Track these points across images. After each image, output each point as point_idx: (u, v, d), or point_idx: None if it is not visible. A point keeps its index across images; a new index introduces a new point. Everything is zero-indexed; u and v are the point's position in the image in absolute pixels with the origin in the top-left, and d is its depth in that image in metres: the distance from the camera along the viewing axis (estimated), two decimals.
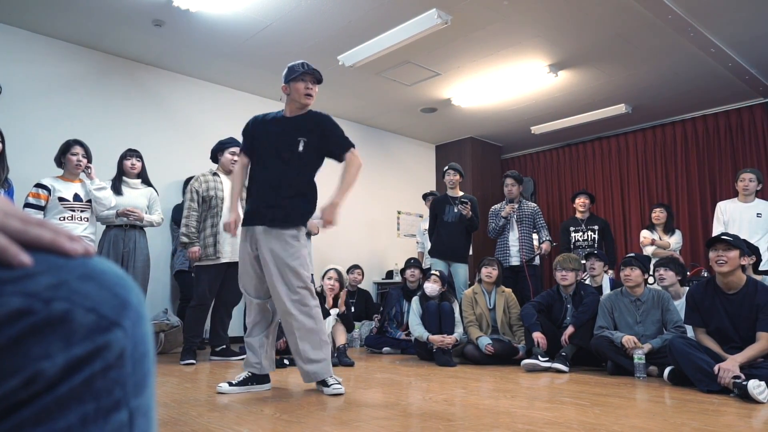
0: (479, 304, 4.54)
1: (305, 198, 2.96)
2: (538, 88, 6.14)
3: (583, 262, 4.94)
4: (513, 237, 5.47)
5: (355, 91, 6.37)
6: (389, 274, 7.30)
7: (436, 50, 5.26)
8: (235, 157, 4.43)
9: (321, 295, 4.58)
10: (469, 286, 5.09)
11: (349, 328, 4.67)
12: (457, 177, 5.51)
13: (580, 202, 5.74)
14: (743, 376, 2.81)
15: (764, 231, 4.64)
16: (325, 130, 3.00)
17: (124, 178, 4.43)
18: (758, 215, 4.71)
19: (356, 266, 6.05)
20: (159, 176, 5.00)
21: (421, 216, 8.00)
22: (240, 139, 3.33)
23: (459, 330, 4.50)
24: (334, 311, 4.49)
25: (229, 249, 4.27)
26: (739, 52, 5.34)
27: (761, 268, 4.33)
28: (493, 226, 5.60)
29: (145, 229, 4.47)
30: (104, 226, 4.33)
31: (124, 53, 5.38)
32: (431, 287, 4.63)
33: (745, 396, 2.70)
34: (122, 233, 4.30)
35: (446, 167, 5.61)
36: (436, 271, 4.81)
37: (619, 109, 6.54)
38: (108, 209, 4.11)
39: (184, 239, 4.24)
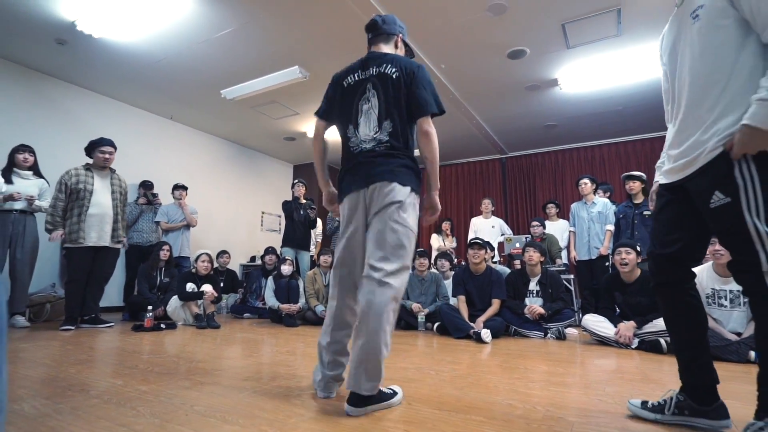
0: (317, 281, 4.60)
1: None
2: None
3: None
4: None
5: (233, 118, 6.04)
6: (252, 258, 7.02)
7: (297, 96, 5.23)
8: (107, 155, 3.75)
9: (196, 275, 4.27)
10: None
11: (217, 300, 4.41)
12: (304, 189, 5.46)
13: None
14: (482, 329, 3.28)
15: (497, 236, 5.41)
16: None
17: (15, 169, 3.71)
18: (493, 227, 5.47)
19: (224, 251, 5.71)
20: (56, 172, 4.24)
21: (280, 216, 7.84)
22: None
23: (302, 300, 4.52)
24: (207, 287, 4.20)
25: (95, 235, 3.67)
26: (488, 125, 6.17)
27: (494, 259, 5.04)
28: (330, 226, 5.72)
29: (35, 214, 3.78)
30: None
31: (26, 62, 4.47)
32: (287, 269, 4.60)
33: (479, 339, 3.17)
34: (10, 217, 3.59)
35: (295, 180, 5.52)
36: (289, 257, 4.79)
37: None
38: None
39: (48, 225, 3.59)
